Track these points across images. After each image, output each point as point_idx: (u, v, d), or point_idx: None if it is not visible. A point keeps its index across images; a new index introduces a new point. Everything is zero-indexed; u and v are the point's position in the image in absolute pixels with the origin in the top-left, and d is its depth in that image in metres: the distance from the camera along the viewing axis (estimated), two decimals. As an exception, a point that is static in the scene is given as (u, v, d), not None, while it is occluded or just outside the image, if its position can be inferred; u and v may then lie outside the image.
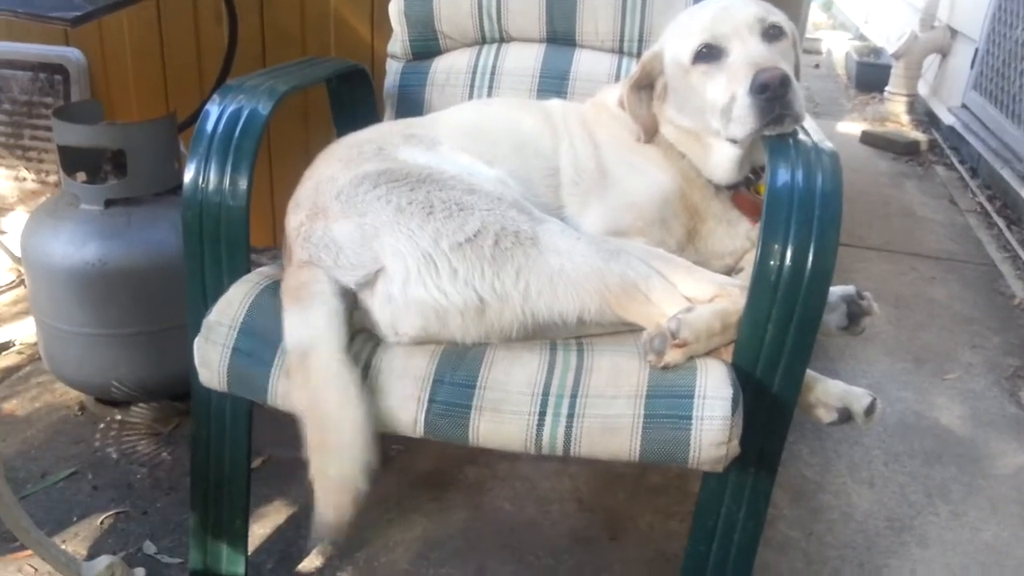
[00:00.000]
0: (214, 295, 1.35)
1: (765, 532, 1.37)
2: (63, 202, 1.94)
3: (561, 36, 1.89)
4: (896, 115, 5.55)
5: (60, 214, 1.92)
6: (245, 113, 1.40)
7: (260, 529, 1.74)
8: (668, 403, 1.16)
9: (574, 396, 1.17)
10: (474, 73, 1.89)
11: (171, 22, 2.57)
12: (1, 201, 2.78)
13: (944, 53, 5.34)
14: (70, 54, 2.57)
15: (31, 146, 2.70)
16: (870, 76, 6.24)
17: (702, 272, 1.32)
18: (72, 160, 1.94)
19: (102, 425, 2.05)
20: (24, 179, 2.75)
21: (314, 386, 1.17)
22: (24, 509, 1.43)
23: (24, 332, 2.40)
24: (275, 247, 2.45)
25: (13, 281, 2.69)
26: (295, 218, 1.36)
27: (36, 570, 1.61)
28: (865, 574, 1.73)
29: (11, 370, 2.25)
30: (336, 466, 1.15)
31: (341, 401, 1.15)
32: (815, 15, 9.67)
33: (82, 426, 2.05)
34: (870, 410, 1.33)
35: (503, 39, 1.92)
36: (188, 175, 1.36)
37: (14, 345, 2.36)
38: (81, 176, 1.97)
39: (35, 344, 2.20)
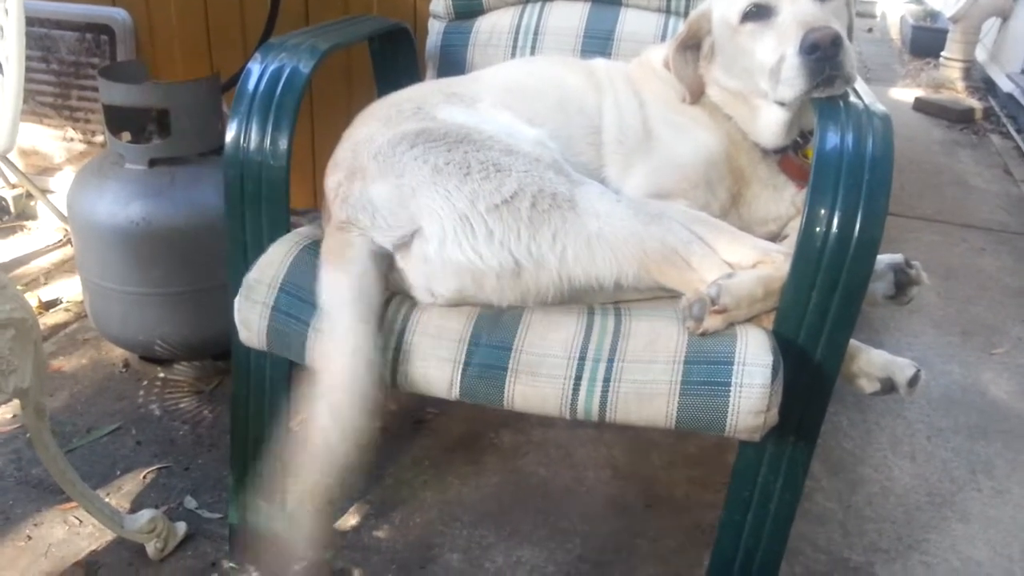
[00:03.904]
0: (254, 255, 1.35)
1: (802, 503, 1.35)
2: (108, 161, 1.96)
3: (607, -6, 1.85)
4: (951, 81, 5.38)
5: (105, 173, 1.94)
6: (286, 72, 1.40)
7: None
8: (706, 369, 1.14)
9: (611, 361, 1.16)
10: (517, 33, 1.86)
11: (215, -19, 2.57)
12: (49, 161, 2.83)
13: (1005, 16, 5.16)
14: (116, 14, 2.58)
15: (78, 106, 2.73)
16: (925, 41, 6.06)
17: (745, 237, 1.30)
18: (117, 120, 1.96)
19: (146, 382, 2.09)
20: (71, 139, 2.79)
21: (327, 348, 1.19)
22: (70, 462, 1.47)
23: (71, 290, 2.45)
24: (316, 209, 2.45)
25: (60, 240, 2.74)
26: (333, 178, 1.35)
27: (81, 522, 1.65)
28: (903, 548, 1.70)
29: (58, 327, 2.30)
30: (332, 428, 1.16)
31: (348, 368, 1.16)
32: (869, -22, 9.39)
33: (126, 383, 2.09)
34: (913, 381, 1.30)
35: (547, -3, 1.89)
36: (229, 134, 1.36)
37: (61, 303, 2.41)
38: (126, 136, 1.98)
39: (81, 302, 2.25)
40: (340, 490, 1.19)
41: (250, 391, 1.48)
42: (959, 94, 5.19)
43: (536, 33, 1.85)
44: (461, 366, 1.19)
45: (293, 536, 1.21)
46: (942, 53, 5.57)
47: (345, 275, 1.22)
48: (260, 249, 1.36)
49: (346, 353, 1.17)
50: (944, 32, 5.59)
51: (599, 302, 1.27)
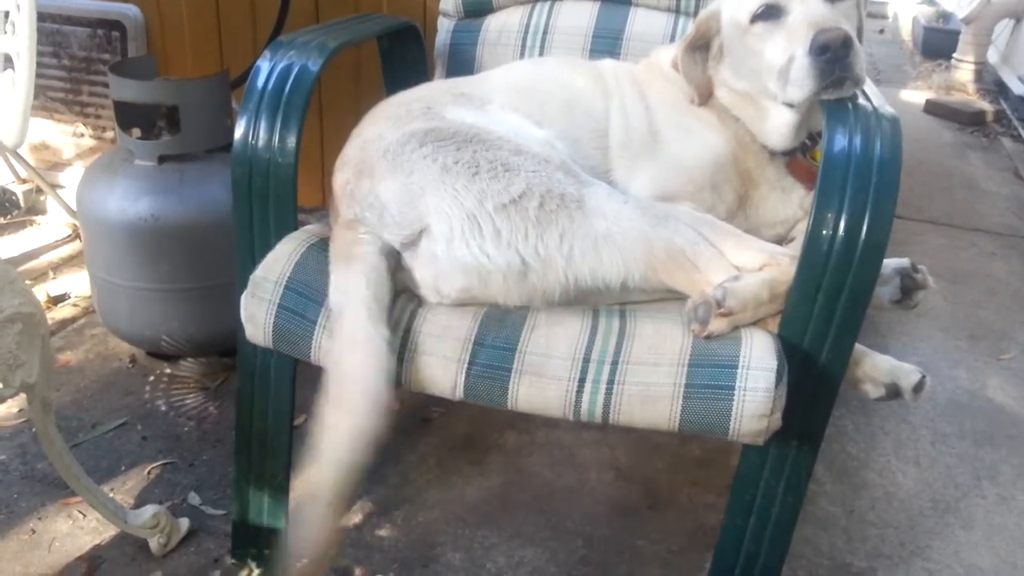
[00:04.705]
0: (262, 252, 1.35)
1: (805, 507, 1.35)
2: (118, 157, 1.97)
3: (617, -6, 1.85)
4: (963, 84, 5.36)
5: (115, 169, 1.94)
6: (295, 69, 1.40)
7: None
8: (710, 372, 1.14)
9: (615, 363, 1.16)
10: (526, 32, 1.86)
11: (225, -22, 2.58)
12: (59, 156, 2.84)
13: (1018, 18, 5.13)
14: (127, 10, 2.59)
15: (89, 102, 2.74)
16: (937, 42, 6.04)
17: (752, 240, 1.30)
18: (127, 116, 1.97)
19: (152, 378, 2.09)
20: (82, 135, 2.80)
21: (340, 346, 1.19)
22: (75, 457, 1.47)
23: (79, 285, 2.45)
24: (324, 207, 2.46)
25: (69, 235, 2.76)
26: (342, 176, 1.36)
27: (85, 516, 1.65)
28: (906, 554, 1.70)
29: (66, 322, 2.31)
30: (344, 426, 1.15)
31: (361, 365, 1.16)
32: (881, -21, 9.35)
33: (133, 378, 2.09)
34: (919, 387, 1.30)
35: (556, -4, 1.88)
36: (238, 131, 1.37)
37: (69, 298, 2.42)
38: (136, 132, 1.99)
39: (89, 297, 2.25)
40: (349, 489, 1.18)
41: (255, 388, 1.49)
42: (970, 96, 5.17)
43: (545, 32, 1.84)
44: (465, 366, 1.19)
45: (300, 534, 1.21)
46: (954, 55, 5.55)
47: (354, 273, 1.22)
48: (268, 246, 1.36)
49: (357, 353, 1.17)
50: (956, 34, 5.57)
51: (605, 303, 1.27)
